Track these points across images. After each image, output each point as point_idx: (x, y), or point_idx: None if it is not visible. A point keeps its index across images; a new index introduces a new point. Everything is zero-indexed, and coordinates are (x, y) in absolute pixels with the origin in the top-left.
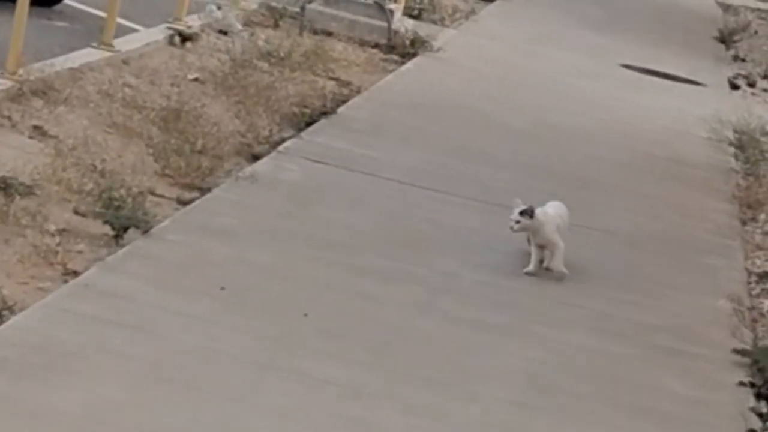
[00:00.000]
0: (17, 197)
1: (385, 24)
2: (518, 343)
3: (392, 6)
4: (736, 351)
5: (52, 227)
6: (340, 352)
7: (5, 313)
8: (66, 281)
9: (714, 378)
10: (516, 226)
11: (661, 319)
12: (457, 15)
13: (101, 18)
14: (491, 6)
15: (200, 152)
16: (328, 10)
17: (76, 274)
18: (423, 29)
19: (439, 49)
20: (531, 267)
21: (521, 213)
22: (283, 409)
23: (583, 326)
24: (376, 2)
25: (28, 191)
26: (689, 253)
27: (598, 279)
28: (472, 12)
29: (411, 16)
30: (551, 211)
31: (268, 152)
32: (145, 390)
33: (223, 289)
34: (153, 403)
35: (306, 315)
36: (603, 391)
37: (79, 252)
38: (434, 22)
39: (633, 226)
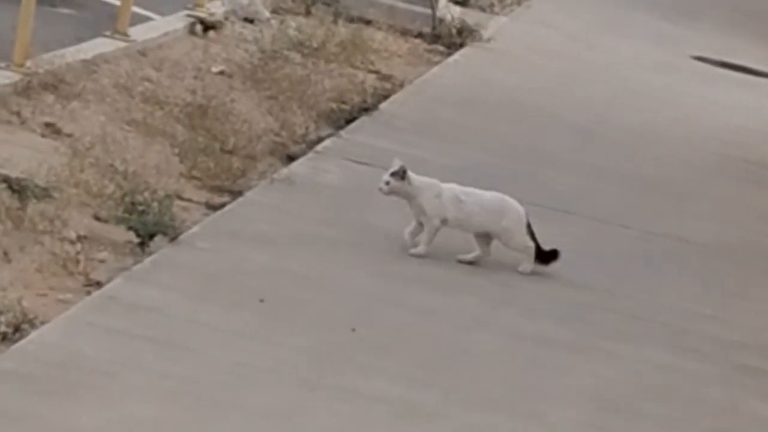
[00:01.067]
0: (33, 201)
1: (428, 11)
2: (586, 360)
3: None
4: None
5: (72, 234)
6: (392, 368)
7: (25, 326)
8: (89, 292)
9: None
10: (385, 188)
11: (744, 336)
12: (509, 1)
13: (110, 5)
14: None
15: (230, 152)
16: None
17: (99, 284)
18: (471, 17)
19: (489, 39)
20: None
21: (392, 174)
22: (332, 428)
23: (657, 342)
24: None
25: (45, 194)
26: None
27: (672, 291)
28: None
29: (457, 3)
30: (455, 189)
31: (304, 152)
32: (181, 409)
33: (262, 301)
34: (189, 423)
35: (354, 330)
36: (679, 413)
37: (102, 261)
38: (483, 8)
39: (709, 234)
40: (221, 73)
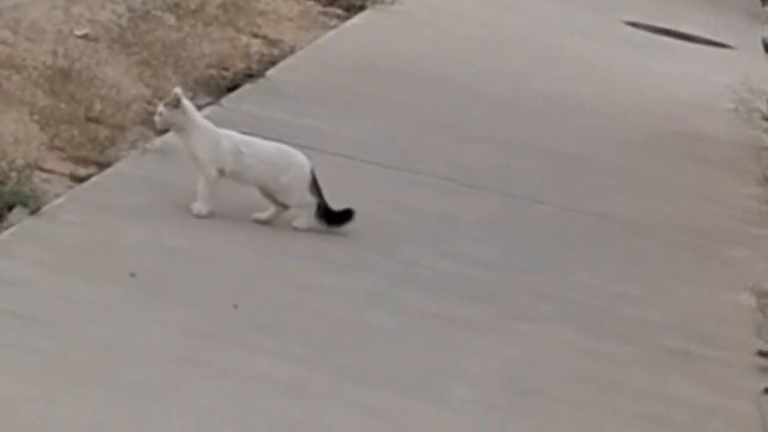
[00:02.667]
0: None
1: None
2: (492, 340)
3: None
4: (762, 353)
5: None
6: (277, 347)
7: None
8: None
9: (734, 384)
10: (158, 120)
11: (669, 317)
12: None
13: None
14: None
15: (97, 121)
16: None
17: None
18: None
19: (393, 1)
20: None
21: (166, 104)
22: (207, 407)
23: (572, 323)
24: None
25: None
26: (706, 243)
27: (591, 270)
28: None
29: None
30: (235, 137)
31: None
32: (45, 385)
33: (133, 275)
34: (54, 399)
35: (236, 306)
36: (594, 396)
37: None
38: None
39: (635, 211)
40: (85, 36)
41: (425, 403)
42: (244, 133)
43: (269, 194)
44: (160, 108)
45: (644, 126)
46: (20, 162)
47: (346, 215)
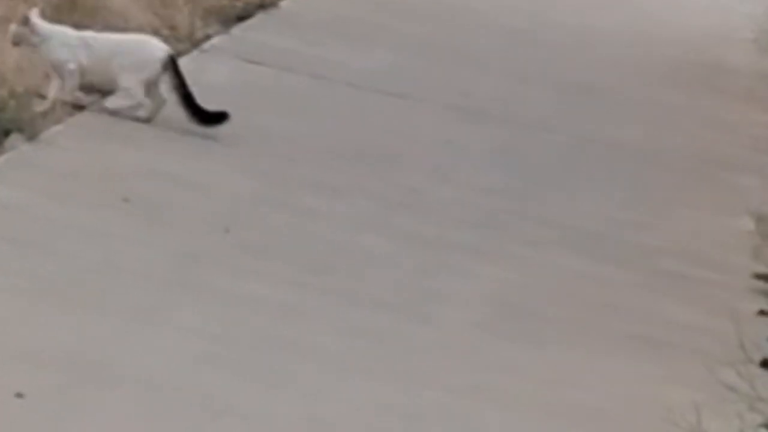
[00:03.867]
0: None
1: None
2: (487, 264)
3: None
4: (758, 276)
5: None
6: (268, 270)
7: None
8: None
9: (728, 305)
10: (10, 36)
11: (668, 241)
12: None
13: None
14: None
15: None
16: None
17: None
18: None
19: None
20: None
21: (18, 24)
22: (196, 327)
23: (568, 248)
24: None
25: None
26: (714, 170)
27: (595, 197)
28: None
29: None
30: (85, 35)
31: (188, 51)
32: (32, 305)
33: (126, 200)
34: (41, 319)
35: (228, 231)
36: (586, 317)
37: None
38: None
39: (646, 140)
40: None
41: (415, 324)
42: (247, 61)
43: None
44: (12, 27)
45: (663, 56)
46: (20, 89)
47: (219, 116)
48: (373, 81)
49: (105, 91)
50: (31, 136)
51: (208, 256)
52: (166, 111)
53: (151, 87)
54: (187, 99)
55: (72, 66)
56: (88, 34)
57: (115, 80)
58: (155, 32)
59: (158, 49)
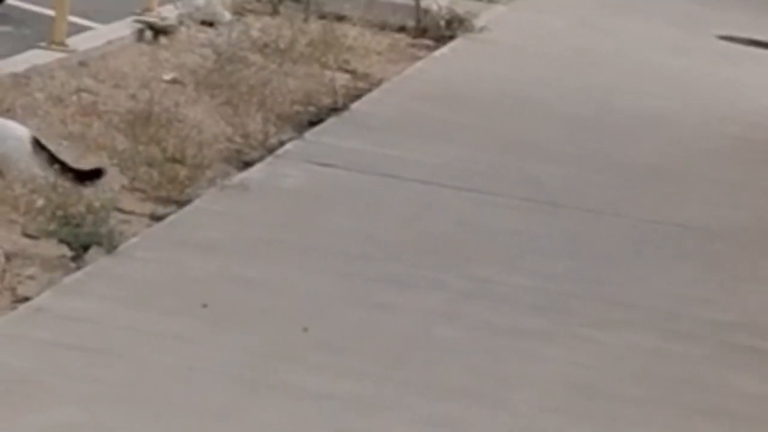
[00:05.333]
0: None
1: (411, 2)
2: (560, 348)
3: None
4: None
5: None
6: (345, 365)
7: None
8: (15, 309)
9: None
10: None
11: (739, 317)
12: None
13: (53, 18)
14: None
15: (177, 161)
16: None
17: (27, 300)
18: (462, 6)
19: (482, 29)
20: None
21: None
22: (275, 425)
23: (641, 328)
24: None
25: None
26: None
27: (665, 276)
28: None
29: None
30: None
31: (262, 157)
32: (111, 412)
33: (205, 306)
34: (120, 425)
35: (305, 329)
36: (660, 393)
37: (31, 277)
38: None
39: (712, 218)
40: (173, 81)
41: (490, 409)
42: (320, 164)
43: None
44: None
45: (728, 136)
46: (97, 205)
47: (94, 173)
48: (442, 176)
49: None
50: (110, 249)
51: (285, 355)
52: (241, 223)
53: None
54: (63, 164)
55: None
56: None
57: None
58: (229, 140)
59: (24, 129)
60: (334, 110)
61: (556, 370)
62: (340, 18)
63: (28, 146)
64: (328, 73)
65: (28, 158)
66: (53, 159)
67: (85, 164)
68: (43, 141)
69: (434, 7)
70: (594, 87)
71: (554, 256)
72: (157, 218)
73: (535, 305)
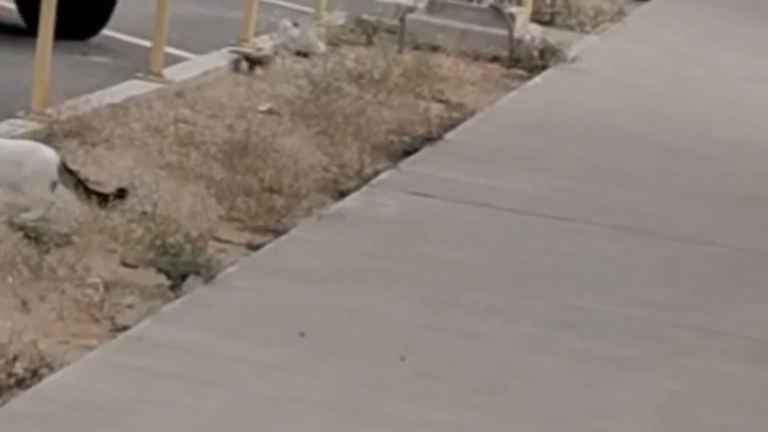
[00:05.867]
0: (52, 248)
1: (505, 32)
2: (655, 376)
3: (513, 10)
4: None
5: (96, 280)
6: (441, 393)
7: (43, 371)
8: (114, 337)
9: None
10: None
11: None
12: (600, 18)
13: (149, 49)
14: (645, 5)
15: (273, 190)
16: (433, 19)
17: (126, 329)
18: (554, 36)
19: (574, 59)
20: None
21: None
22: None
23: (734, 356)
24: (492, 6)
25: (65, 241)
26: None
27: (760, 305)
28: (620, 13)
29: (541, 22)
30: None
31: (358, 187)
32: None
33: (303, 335)
34: None
35: (403, 359)
36: (755, 423)
37: (129, 306)
38: (571, 27)
39: None
40: (268, 111)
41: None
42: (415, 194)
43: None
44: None
45: None
46: (195, 234)
47: (119, 194)
48: (536, 205)
49: (278, 232)
50: (207, 278)
51: (382, 384)
52: (338, 252)
53: None
54: (87, 188)
55: None
56: None
57: (20, 186)
58: (325, 170)
59: (52, 153)
60: (429, 140)
61: (650, 399)
62: (434, 48)
63: (54, 169)
64: (422, 103)
65: (49, 185)
66: (79, 183)
67: (109, 187)
68: (70, 165)
69: (527, 38)
70: (687, 116)
71: (648, 285)
72: (254, 247)
73: (629, 333)
